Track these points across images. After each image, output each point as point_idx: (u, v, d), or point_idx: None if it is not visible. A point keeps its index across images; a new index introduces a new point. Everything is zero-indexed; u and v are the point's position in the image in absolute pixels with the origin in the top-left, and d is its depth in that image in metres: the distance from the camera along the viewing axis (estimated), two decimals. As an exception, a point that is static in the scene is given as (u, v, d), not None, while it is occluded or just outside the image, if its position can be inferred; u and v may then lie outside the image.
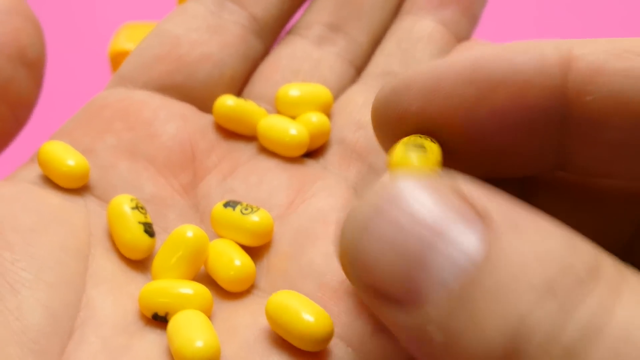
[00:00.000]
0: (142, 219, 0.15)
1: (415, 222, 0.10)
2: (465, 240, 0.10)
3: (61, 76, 0.52)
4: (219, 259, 0.15)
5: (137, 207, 0.15)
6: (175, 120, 0.18)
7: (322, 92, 0.19)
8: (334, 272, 0.15)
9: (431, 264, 0.10)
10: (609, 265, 0.10)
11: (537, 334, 0.09)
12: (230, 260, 0.15)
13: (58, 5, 0.61)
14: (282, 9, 0.21)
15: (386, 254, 0.10)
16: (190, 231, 0.15)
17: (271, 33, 0.21)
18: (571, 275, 0.09)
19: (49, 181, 0.16)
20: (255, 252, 0.16)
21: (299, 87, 0.19)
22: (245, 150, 0.18)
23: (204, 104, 0.19)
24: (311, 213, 0.16)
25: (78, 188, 0.16)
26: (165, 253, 0.15)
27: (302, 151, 0.18)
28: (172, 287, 0.14)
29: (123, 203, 0.15)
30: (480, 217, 0.10)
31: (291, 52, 0.20)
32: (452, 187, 0.10)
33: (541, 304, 0.09)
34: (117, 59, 0.31)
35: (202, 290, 0.15)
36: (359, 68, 0.20)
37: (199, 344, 0.13)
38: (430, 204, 0.10)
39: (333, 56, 0.20)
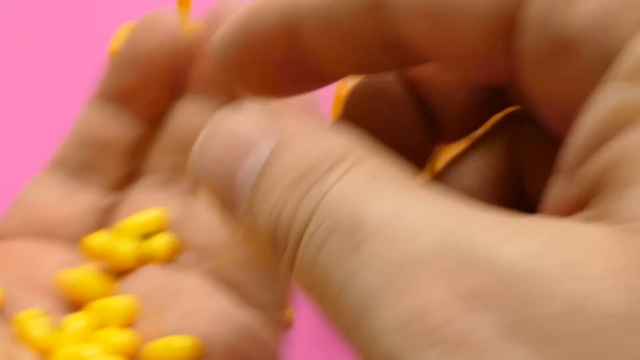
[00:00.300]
0: (49, 321, 0.19)
1: (232, 139, 0.13)
2: (262, 148, 0.13)
3: (61, 76, 0.52)
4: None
5: (42, 314, 0.19)
6: (54, 254, 0.21)
7: (154, 215, 0.22)
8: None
9: (241, 169, 0.13)
10: (363, 157, 0.12)
11: (282, 226, 0.12)
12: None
13: (58, 5, 0.61)
14: (134, 161, 0.23)
15: (216, 168, 0.13)
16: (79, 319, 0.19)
17: (127, 183, 0.23)
18: (318, 167, 0.12)
19: None
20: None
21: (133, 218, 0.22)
22: None
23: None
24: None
25: None
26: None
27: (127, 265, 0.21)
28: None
29: (31, 312, 0.19)
30: (275, 132, 0.13)
31: (138, 197, 0.22)
32: (258, 111, 0.13)
33: (288, 195, 0.12)
34: (117, 59, 0.31)
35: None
36: None
37: None
38: (241, 124, 0.13)
39: (177, 196, 0.23)
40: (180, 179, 0.23)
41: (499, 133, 0.16)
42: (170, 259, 0.21)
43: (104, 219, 0.23)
